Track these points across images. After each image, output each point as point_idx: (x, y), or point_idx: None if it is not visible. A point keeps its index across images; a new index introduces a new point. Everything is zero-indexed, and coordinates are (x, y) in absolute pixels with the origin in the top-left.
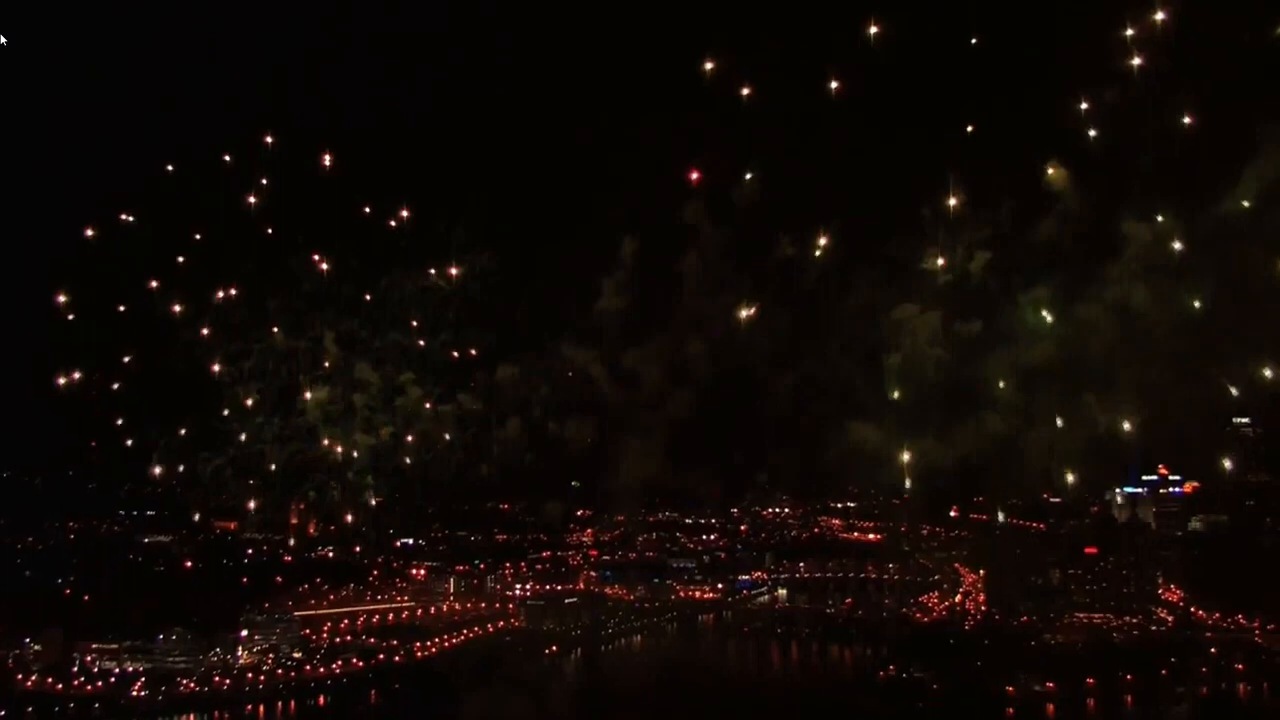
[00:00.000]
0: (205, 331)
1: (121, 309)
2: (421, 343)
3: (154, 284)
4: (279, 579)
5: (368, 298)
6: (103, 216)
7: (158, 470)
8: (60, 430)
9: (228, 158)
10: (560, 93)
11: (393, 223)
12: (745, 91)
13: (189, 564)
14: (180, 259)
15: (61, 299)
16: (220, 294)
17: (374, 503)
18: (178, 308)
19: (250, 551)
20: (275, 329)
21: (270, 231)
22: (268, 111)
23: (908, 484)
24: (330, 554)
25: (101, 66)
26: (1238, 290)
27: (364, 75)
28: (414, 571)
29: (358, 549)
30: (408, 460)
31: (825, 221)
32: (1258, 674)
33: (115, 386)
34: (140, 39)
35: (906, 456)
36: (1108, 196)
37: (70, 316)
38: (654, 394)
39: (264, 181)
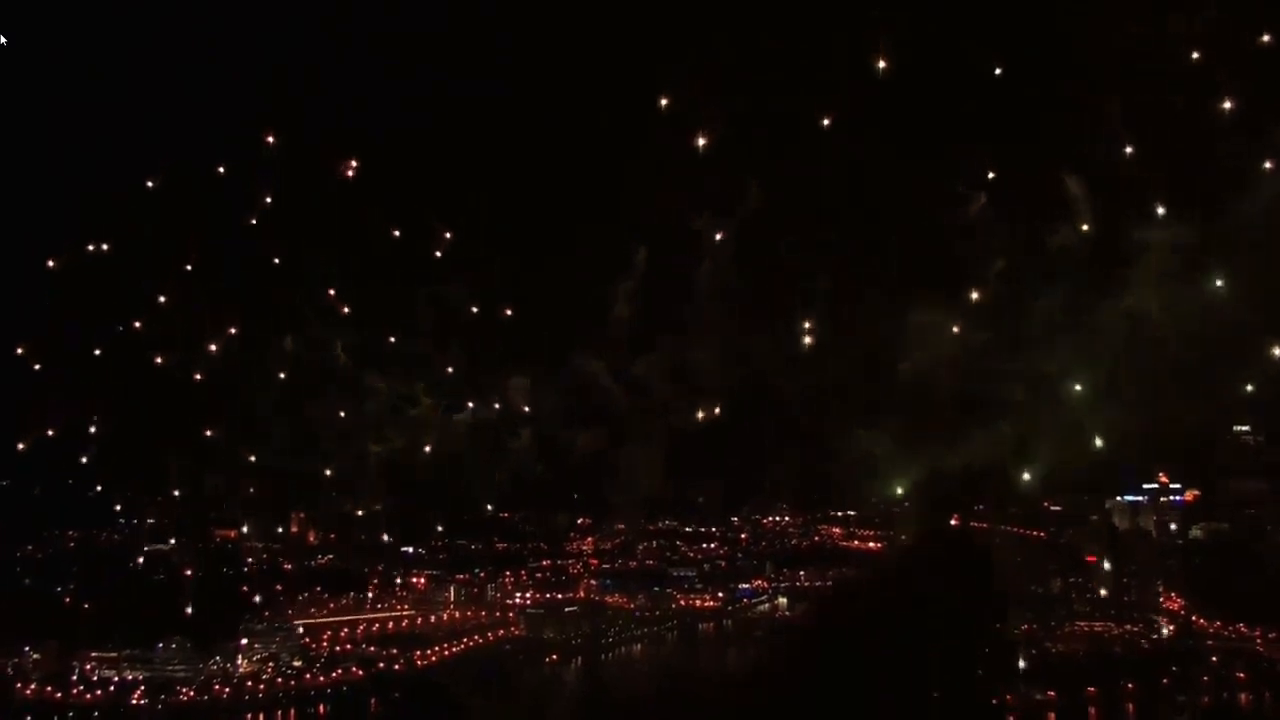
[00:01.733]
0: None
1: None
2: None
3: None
4: (279, 587)
5: (376, 308)
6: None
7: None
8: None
9: (223, 169)
10: (567, 98)
11: (402, 231)
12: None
13: (189, 572)
14: (180, 273)
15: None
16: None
17: (378, 510)
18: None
19: (250, 560)
20: (285, 340)
21: (275, 241)
22: (266, 116)
23: (901, 493)
24: (331, 562)
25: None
26: (1245, 295)
27: (365, 80)
28: (414, 580)
29: (359, 557)
30: (419, 470)
31: (835, 228)
32: (1259, 683)
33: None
34: (103, 44)
35: (910, 465)
36: (1121, 204)
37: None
38: (662, 403)
39: (266, 190)
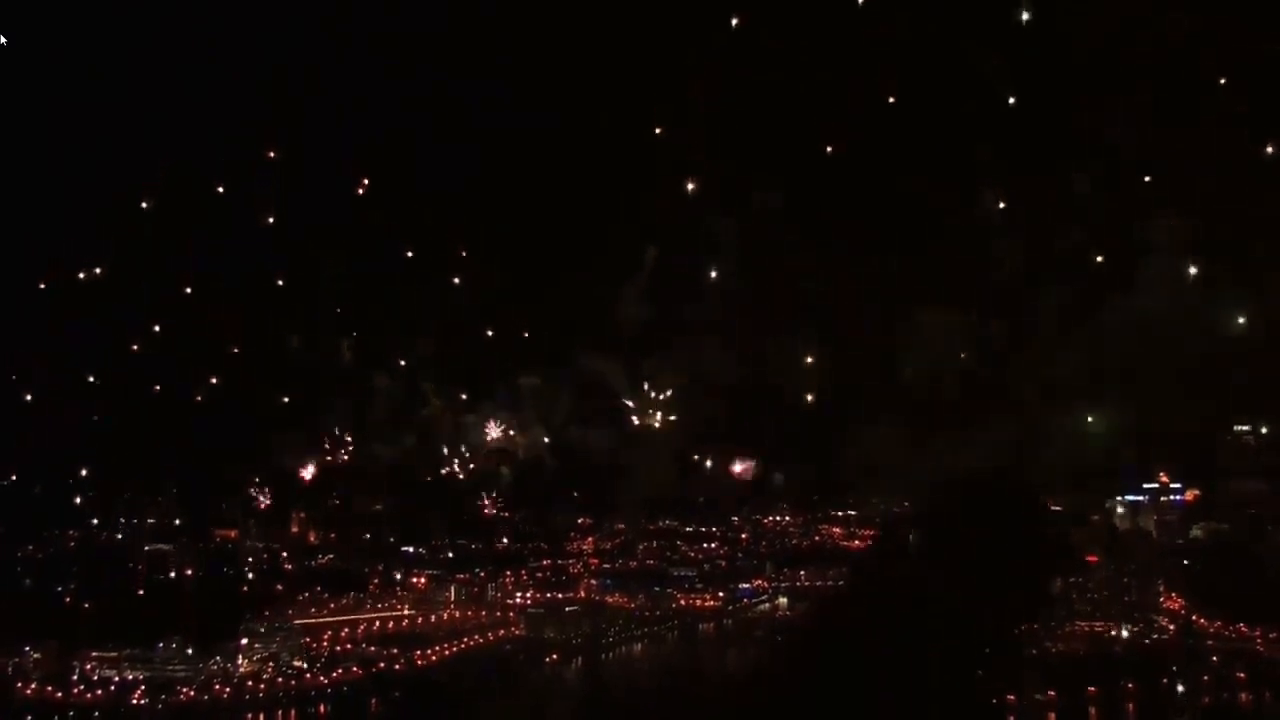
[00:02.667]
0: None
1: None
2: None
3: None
4: (279, 587)
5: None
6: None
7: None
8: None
9: (222, 189)
10: (566, 97)
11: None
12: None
13: (189, 572)
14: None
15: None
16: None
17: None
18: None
19: (250, 560)
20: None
21: (279, 251)
22: (266, 121)
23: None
24: (332, 562)
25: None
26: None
27: (366, 80)
28: (414, 580)
29: (359, 556)
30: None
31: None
32: (1259, 683)
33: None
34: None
35: (911, 466)
36: (1123, 206)
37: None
38: (670, 404)
39: (268, 199)
